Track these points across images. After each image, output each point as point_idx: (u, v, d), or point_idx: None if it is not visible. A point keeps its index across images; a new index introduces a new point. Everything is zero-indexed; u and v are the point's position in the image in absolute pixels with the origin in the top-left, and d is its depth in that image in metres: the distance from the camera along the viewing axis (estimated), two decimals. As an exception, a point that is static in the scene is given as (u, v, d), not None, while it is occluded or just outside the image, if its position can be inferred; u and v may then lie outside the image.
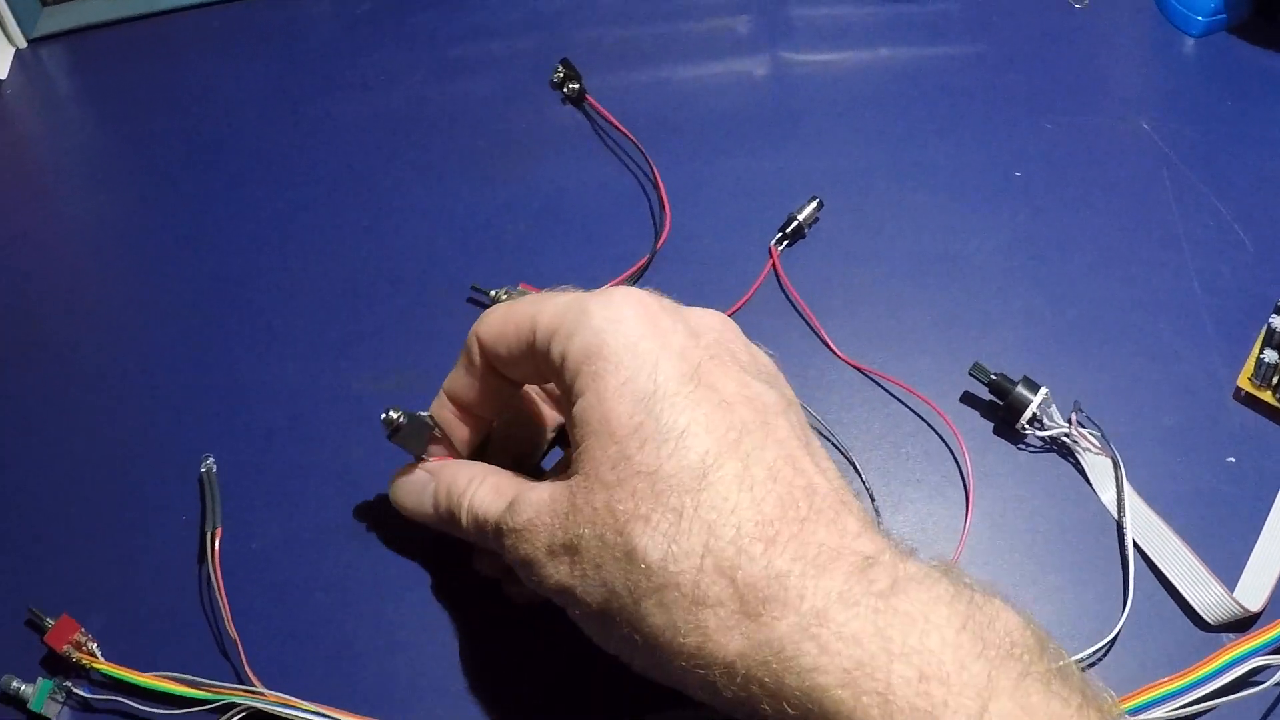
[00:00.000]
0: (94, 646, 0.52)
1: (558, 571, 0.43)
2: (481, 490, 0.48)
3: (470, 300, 0.63)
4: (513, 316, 0.47)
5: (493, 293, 0.61)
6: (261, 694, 0.49)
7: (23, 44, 0.83)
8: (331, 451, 0.58)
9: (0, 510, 0.58)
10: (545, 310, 0.45)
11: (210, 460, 0.57)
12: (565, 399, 0.44)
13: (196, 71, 0.79)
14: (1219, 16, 0.75)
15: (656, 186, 0.67)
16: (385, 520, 0.55)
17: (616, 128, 0.70)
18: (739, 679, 0.38)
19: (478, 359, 0.49)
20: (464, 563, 0.53)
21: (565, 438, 0.48)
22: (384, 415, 0.50)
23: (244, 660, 0.50)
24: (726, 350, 0.44)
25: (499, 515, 0.45)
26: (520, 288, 0.61)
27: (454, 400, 0.51)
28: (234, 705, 0.49)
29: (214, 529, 0.54)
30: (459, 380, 0.51)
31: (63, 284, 0.68)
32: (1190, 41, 0.76)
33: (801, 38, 0.77)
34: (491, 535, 0.46)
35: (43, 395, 0.62)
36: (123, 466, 0.59)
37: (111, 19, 0.83)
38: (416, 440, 0.52)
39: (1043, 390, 0.56)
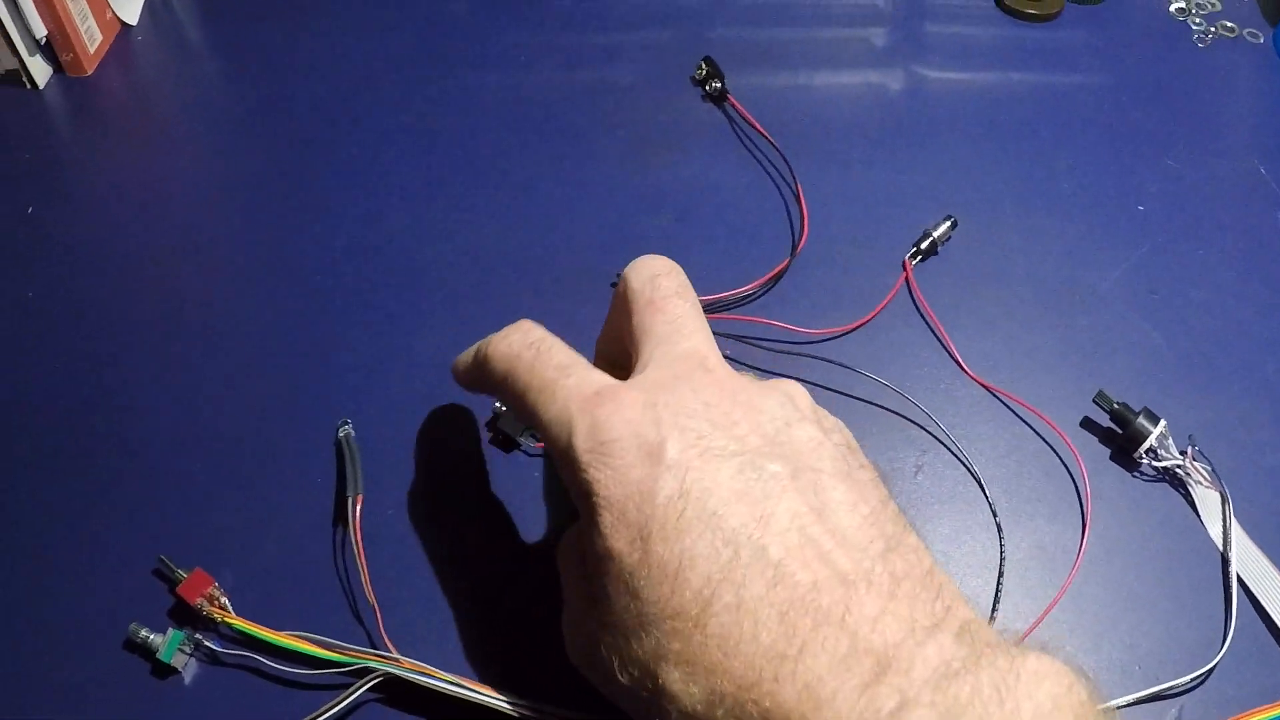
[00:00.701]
0: (226, 601, 0.52)
1: (617, 698, 0.44)
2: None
3: (614, 286, 0.64)
4: (520, 396, 0.47)
5: (638, 284, 0.62)
6: (398, 660, 0.49)
7: (155, -9, 0.84)
8: (471, 424, 0.59)
9: (136, 458, 0.58)
10: (544, 415, 0.45)
11: (349, 425, 0.58)
12: (579, 516, 0.44)
13: (330, 34, 0.80)
14: (1337, 66, 0.76)
15: (796, 191, 0.68)
16: (524, 497, 0.56)
17: (758, 130, 0.71)
18: None
19: (487, 379, 0.50)
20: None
21: None
22: (494, 406, 0.58)
23: (380, 626, 0.50)
24: (726, 431, 0.42)
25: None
26: (666, 281, 0.62)
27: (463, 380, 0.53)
28: (369, 670, 0.49)
29: (355, 494, 0.54)
30: (470, 372, 0.52)
31: (199, 238, 0.69)
32: (1306, 88, 0.77)
33: (935, 55, 0.79)
34: None
35: (184, 346, 0.63)
36: (259, 424, 0.59)
37: (245, -28, 0.83)
38: (516, 428, 0.57)
39: (1162, 422, 0.57)
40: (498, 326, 0.61)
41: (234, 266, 0.67)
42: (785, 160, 0.70)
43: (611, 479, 0.41)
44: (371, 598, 0.51)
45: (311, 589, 0.54)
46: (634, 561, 0.40)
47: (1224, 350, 0.63)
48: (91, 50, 0.78)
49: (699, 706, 0.38)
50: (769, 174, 0.70)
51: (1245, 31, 0.81)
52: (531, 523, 0.56)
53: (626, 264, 0.61)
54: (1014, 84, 0.77)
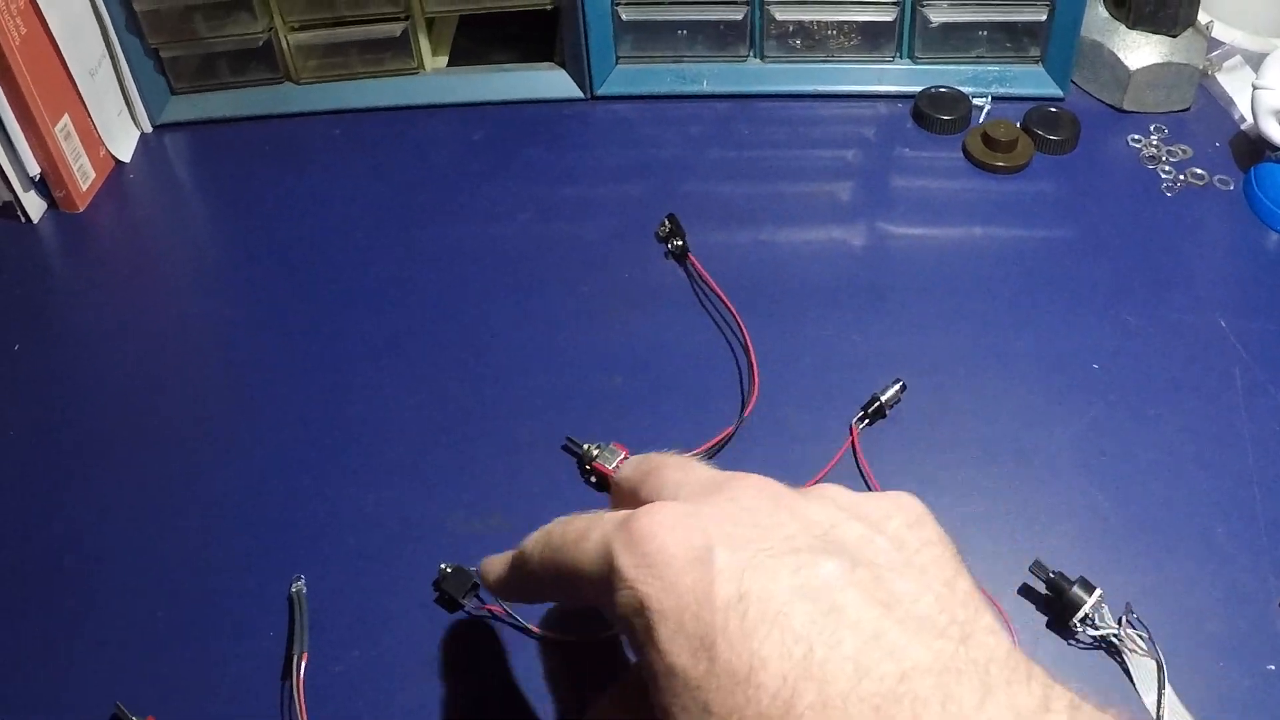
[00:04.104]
0: (176, 752, 0.54)
1: None
2: None
3: (564, 448, 0.66)
4: (555, 559, 0.44)
5: (586, 446, 0.64)
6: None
7: (149, 128, 0.87)
8: (419, 584, 0.61)
9: (98, 605, 0.61)
10: (583, 560, 0.42)
11: (301, 582, 0.60)
12: (630, 645, 0.42)
13: (313, 178, 0.83)
14: (1306, 215, 0.77)
15: (748, 352, 0.70)
16: (465, 661, 0.58)
17: (714, 291, 0.73)
18: None
19: (526, 571, 0.47)
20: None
21: None
22: (440, 567, 0.60)
23: (317, 784, 0.52)
24: (774, 532, 0.40)
25: None
26: (613, 446, 0.64)
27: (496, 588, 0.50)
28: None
29: (300, 653, 0.56)
30: (504, 579, 0.49)
31: (169, 379, 0.72)
32: (1275, 237, 0.78)
33: (901, 209, 0.80)
34: None
35: (152, 492, 0.65)
36: (217, 575, 0.62)
37: (237, 115, 0.87)
38: (459, 590, 0.59)
39: (1097, 592, 0.58)
40: (450, 485, 0.64)
41: (206, 415, 0.70)
42: (739, 321, 0.71)
43: (663, 590, 0.38)
44: (310, 758, 0.53)
45: (257, 742, 0.55)
46: (701, 673, 0.37)
47: (1172, 512, 0.63)
48: (84, 187, 0.81)
49: None
50: (723, 334, 0.72)
51: (1215, 179, 0.82)
52: (470, 684, 0.57)
53: (576, 425, 0.63)
54: (976, 239, 0.78)
